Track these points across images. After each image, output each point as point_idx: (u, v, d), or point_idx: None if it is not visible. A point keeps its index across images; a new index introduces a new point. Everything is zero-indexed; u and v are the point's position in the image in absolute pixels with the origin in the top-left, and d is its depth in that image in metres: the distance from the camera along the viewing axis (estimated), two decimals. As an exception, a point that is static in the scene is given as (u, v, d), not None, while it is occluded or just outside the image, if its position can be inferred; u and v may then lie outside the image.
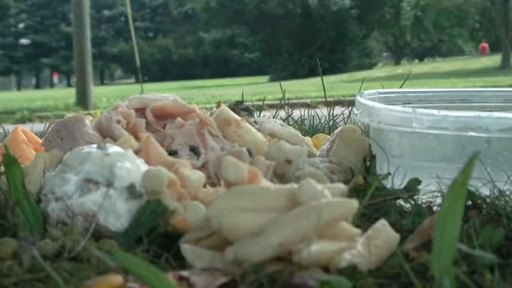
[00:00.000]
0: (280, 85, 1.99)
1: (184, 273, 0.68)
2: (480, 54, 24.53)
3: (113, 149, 0.91)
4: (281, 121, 1.31)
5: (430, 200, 0.90)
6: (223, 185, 0.87)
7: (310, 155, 1.12)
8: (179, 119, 1.14)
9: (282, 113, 1.93)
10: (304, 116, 1.91)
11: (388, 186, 0.98)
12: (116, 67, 37.45)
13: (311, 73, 16.83)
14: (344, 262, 0.69)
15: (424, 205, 0.89)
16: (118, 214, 0.83)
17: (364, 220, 0.84)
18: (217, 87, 14.24)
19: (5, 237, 0.78)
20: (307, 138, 1.30)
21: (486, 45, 25.15)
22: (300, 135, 1.24)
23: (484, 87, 1.39)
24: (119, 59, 32.93)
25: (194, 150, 1.04)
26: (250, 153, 1.03)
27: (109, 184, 0.85)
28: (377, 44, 26.09)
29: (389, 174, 0.98)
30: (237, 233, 0.72)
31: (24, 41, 35.47)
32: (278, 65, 20.33)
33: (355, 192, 0.96)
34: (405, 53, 29.46)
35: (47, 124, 1.20)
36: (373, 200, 0.90)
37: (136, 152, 0.97)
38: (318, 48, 19.93)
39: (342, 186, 0.81)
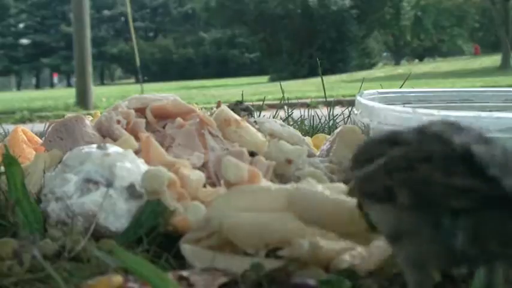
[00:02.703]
0: (281, 85, 1.99)
1: (184, 273, 0.68)
2: (473, 55, 25.06)
3: (113, 149, 0.91)
4: (281, 121, 1.31)
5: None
6: (223, 185, 0.87)
7: (310, 155, 1.12)
8: (179, 119, 1.14)
9: (282, 113, 1.93)
10: (304, 116, 1.91)
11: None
12: (115, 67, 37.44)
13: (311, 73, 16.82)
14: (344, 264, 0.69)
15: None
16: (118, 214, 0.83)
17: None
18: (217, 87, 14.23)
19: (5, 237, 0.78)
20: (307, 138, 1.30)
21: (478, 47, 26.07)
22: (300, 135, 1.24)
23: (484, 87, 1.39)
24: (119, 59, 32.91)
25: None
26: (253, 154, 1.03)
27: (109, 184, 0.85)
28: (377, 44, 26.07)
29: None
30: (237, 232, 0.72)
31: (24, 41, 35.45)
32: (278, 65, 20.32)
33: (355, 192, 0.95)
34: (405, 53, 29.45)
35: (47, 124, 1.20)
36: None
37: (136, 152, 0.97)
38: (318, 48, 19.92)
39: (342, 186, 0.81)
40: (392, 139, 0.54)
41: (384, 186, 0.51)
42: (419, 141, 0.51)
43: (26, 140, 1.23)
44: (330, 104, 1.98)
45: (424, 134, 0.52)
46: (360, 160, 0.56)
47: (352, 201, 0.68)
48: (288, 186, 0.79)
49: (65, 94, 13.32)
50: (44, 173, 0.96)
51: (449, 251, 0.49)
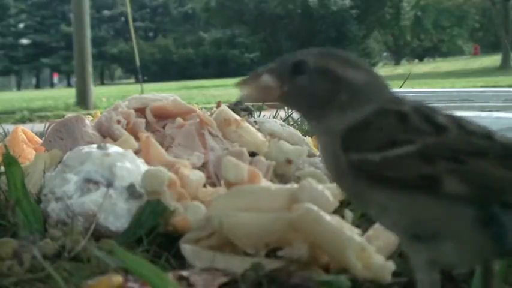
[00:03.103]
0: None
1: (184, 273, 0.68)
2: (473, 55, 25.39)
3: (113, 149, 0.91)
4: (281, 121, 1.31)
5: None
6: (223, 185, 0.87)
7: (310, 155, 1.12)
8: (179, 119, 1.14)
9: (282, 113, 1.93)
10: (304, 116, 1.90)
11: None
12: (116, 67, 37.46)
13: (311, 73, 16.78)
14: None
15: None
16: (118, 214, 0.83)
17: (364, 220, 0.84)
18: (217, 87, 14.24)
19: (5, 237, 0.78)
20: (307, 138, 1.30)
21: (478, 47, 26.59)
22: (300, 135, 1.24)
23: (484, 87, 1.40)
24: (119, 59, 32.96)
25: None
26: (253, 154, 1.03)
27: (109, 184, 0.85)
28: (377, 44, 26.09)
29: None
30: (237, 232, 0.72)
31: (24, 41, 35.48)
32: (278, 65, 20.34)
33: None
34: (405, 53, 29.47)
35: (47, 124, 1.20)
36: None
37: (136, 152, 0.97)
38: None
39: (342, 186, 0.81)
40: (420, 125, 0.52)
41: (421, 174, 0.49)
42: (461, 134, 0.51)
43: (26, 140, 1.23)
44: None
45: (461, 126, 0.52)
46: (372, 143, 0.52)
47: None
48: (288, 186, 0.79)
49: (65, 94, 13.31)
50: (44, 173, 0.96)
51: (498, 245, 0.49)
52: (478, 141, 0.51)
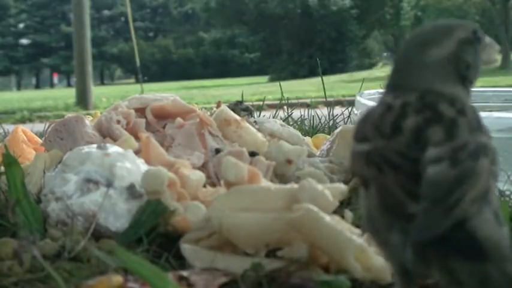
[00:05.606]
0: (280, 85, 1.99)
1: (184, 273, 0.68)
2: None
3: (113, 149, 0.91)
4: (281, 121, 1.31)
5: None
6: (223, 185, 0.87)
7: (310, 155, 1.12)
8: (179, 119, 1.14)
9: (282, 113, 1.93)
10: (304, 116, 1.91)
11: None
12: (115, 67, 37.42)
13: (311, 73, 16.83)
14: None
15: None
16: (118, 214, 0.83)
17: (364, 220, 0.84)
18: (217, 87, 14.24)
19: (5, 237, 0.78)
20: (307, 138, 1.30)
21: None
22: (300, 135, 1.24)
23: (484, 87, 1.40)
24: (119, 59, 32.97)
25: None
26: (253, 154, 1.03)
27: (109, 184, 0.85)
28: (377, 44, 26.10)
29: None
30: (237, 232, 0.72)
31: (24, 41, 35.46)
32: (278, 65, 20.37)
33: (354, 192, 0.95)
34: (405, 53, 29.43)
35: (47, 124, 1.20)
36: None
37: (136, 152, 0.97)
38: (318, 48, 19.94)
39: (341, 186, 0.81)
40: (386, 124, 0.52)
41: (362, 174, 0.52)
42: (405, 141, 0.50)
43: (26, 140, 1.23)
44: (330, 104, 1.98)
45: (418, 132, 0.50)
46: (359, 135, 0.54)
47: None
48: (288, 186, 0.79)
49: (65, 94, 13.31)
50: (44, 173, 0.96)
51: (404, 262, 0.49)
52: (408, 152, 0.49)
